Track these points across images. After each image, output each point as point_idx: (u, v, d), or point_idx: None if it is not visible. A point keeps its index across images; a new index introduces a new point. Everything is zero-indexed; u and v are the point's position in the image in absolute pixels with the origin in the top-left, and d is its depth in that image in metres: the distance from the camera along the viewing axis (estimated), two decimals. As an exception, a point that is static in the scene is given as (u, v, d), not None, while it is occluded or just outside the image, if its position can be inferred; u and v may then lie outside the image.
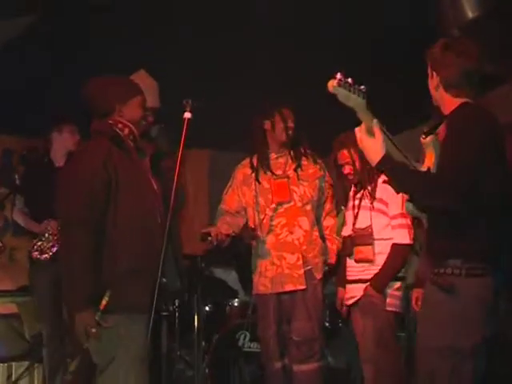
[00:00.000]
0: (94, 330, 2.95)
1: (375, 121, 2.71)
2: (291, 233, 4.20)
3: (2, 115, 5.70)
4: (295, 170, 4.28)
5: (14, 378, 5.07)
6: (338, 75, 2.53)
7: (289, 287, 4.16)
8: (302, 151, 4.34)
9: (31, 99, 5.55)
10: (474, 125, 2.70)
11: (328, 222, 4.37)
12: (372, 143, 2.72)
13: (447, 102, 2.83)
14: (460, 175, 2.61)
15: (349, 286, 4.22)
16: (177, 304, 5.14)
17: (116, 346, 3.01)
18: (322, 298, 4.22)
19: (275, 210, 4.24)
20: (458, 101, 2.81)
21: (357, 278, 4.13)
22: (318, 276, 4.20)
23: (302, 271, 4.15)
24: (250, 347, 4.82)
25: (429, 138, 2.79)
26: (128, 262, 3.05)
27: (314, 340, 4.12)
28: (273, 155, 4.35)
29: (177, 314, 5.11)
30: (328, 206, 4.39)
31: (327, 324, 5.14)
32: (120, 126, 3.30)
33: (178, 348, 5.08)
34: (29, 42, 5.89)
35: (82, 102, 3.36)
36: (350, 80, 2.56)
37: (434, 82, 2.85)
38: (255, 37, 5.38)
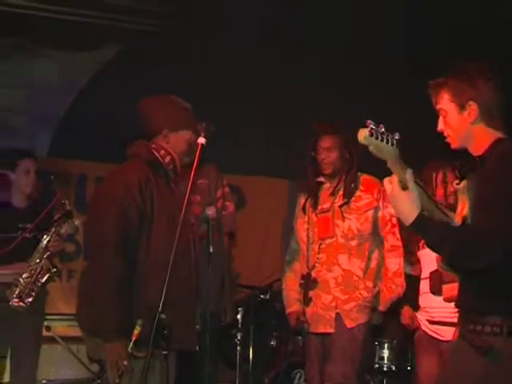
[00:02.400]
0: (125, 363, 2.84)
1: (409, 171, 2.41)
2: (329, 271, 4.04)
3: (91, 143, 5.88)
4: (341, 205, 4.07)
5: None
6: (369, 123, 2.28)
7: (320, 329, 4.01)
8: (358, 180, 4.10)
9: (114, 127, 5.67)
10: None
11: (391, 263, 4.05)
12: (406, 198, 2.39)
13: (483, 139, 2.49)
14: (506, 231, 2.31)
15: (433, 327, 3.95)
16: (239, 337, 5.05)
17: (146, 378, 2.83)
18: (361, 343, 3.96)
19: (320, 245, 4.08)
20: (493, 136, 2.49)
21: (446, 320, 3.83)
22: (349, 324, 3.96)
23: (333, 314, 3.97)
24: (304, 387, 4.64)
25: (463, 184, 2.50)
26: (160, 294, 2.82)
27: None
28: (327, 185, 4.19)
29: (238, 348, 5.01)
30: (390, 241, 4.07)
31: (394, 367, 4.93)
32: (162, 152, 3.19)
33: (237, 382, 4.97)
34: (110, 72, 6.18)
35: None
36: (382, 128, 2.30)
37: (469, 115, 2.50)
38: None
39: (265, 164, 6.26)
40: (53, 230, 4.17)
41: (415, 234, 2.48)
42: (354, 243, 4.03)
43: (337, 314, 3.98)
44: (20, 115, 6.28)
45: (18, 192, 4.38)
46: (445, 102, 2.53)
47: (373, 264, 4.06)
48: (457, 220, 2.52)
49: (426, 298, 4.04)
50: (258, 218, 6.33)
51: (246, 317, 5.09)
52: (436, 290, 3.89)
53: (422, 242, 4.07)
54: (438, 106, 2.56)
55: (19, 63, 6.21)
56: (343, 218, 4.05)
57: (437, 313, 3.96)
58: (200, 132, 3.05)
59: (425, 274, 4.05)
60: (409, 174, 2.41)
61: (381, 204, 4.07)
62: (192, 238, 3.22)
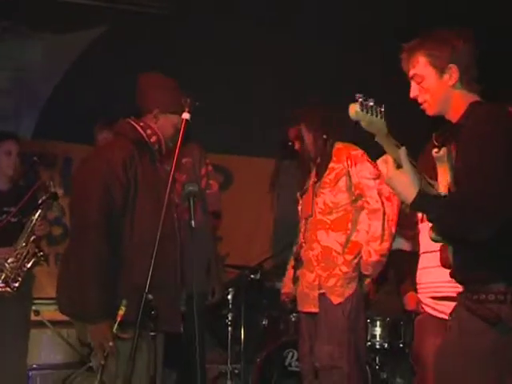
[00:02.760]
0: (111, 344, 2.79)
1: (403, 149, 2.31)
2: (311, 249, 3.98)
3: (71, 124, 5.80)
4: (315, 182, 4.04)
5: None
6: (359, 97, 2.19)
7: (306, 308, 3.97)
8: (329, 156, 4.00)
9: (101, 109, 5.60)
10: (501, 128, 2.30)
11: (371, 226, 3.90)
12: (403, 178, 2.29)
13: (462, 103, 2.42)
14: (499, 199, 2.24)
15: (439, 304, 3.71)
16: (230, 318, 5.01)
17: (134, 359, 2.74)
18: (346, 321, 3.85)
19: (305, 224, 4.05)
20: (470, 99, 2.42)
21: (444, 294, 3.59)
22: (335, 300, 3.87)
23: (316, 293, 3.91)
24: (297, 366, 4.55)
25: (442, 151, 2.41)
26: (144, 276, 2.74)
27: (334, 368, 3.80)
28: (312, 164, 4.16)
29: (229, 329, 4.98)
30: (371, 205, 3.90)
31: (386, 345, 4.89)
32: (149, 131, 3.14)
33: (229, 363, 4.94)
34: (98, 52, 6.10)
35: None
36: (371, 102, 2.22)
37: (449, 78, 2.41)
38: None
39: (252, 143, 6.20)
40: (38, 213, 4.10)
41: (416, 211, 2.40)
42: (332, 217, 3.95)
43: (320, 293, 3.91)
44: (7, 97, 6.20)
45: (0, 174, 4.30)
46: (421, 66, 2.45)
47: (356, 235, 3.94)
48: (442, 190, 2.43)
49: (428, 274, 3.87)
50: (246, 197, 6.28)
51: (237, 297, 5.05)
52: (446, 264, 3.75)
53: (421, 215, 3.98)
54: (412, 72, 2.47)
55: (7, 45, 6.13)
56: (318, 195, 3.99)
57: (442, 288, 3.81)
58: (184, 107, 2.94)
59: (426, 247, 3.89)
60: (403, 152, 2.31)
61: (352, 170, 3.95)
62: (177, 218, 3.16)
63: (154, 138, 3.13)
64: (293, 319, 5.10)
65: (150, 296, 2.68)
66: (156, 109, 3.14)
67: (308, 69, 6.09)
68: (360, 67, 5.97)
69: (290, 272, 4.21)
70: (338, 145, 4.03)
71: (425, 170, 2.57)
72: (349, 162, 3.95)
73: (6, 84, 6.16)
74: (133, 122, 3.17)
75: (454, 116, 2.46)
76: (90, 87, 5.85)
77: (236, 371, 4.94)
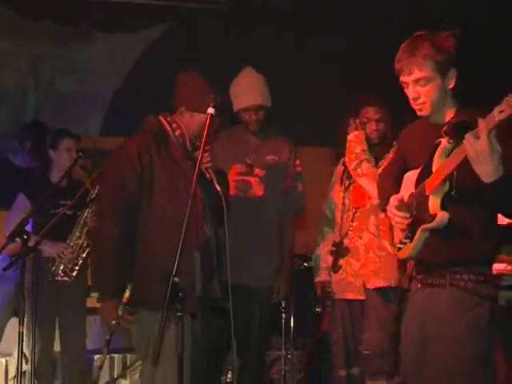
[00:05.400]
0: (113, 322, 3.04)
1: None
2: (360, 237, 4.03)
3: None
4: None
5: (129, 368, 5.24)
6: None
7: (349, 295, 4.01)
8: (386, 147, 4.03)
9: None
10: None
11: None
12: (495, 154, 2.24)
13: (451, 106, 2.64)
14: None
15: None
16: (283, 304, 5.10)
17: (147, 343, 3.09)
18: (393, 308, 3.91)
19: (354, 213, 4.08)
20: (455, 104, 2.64)
21: None
22: (395, 283, 3.93)
23: (361, 281, 3.97)
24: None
25: (450, 144, 2.47)
26: (158, 261, 3.10)
27: (385, 354, 3.84)
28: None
29: (283, 315, 5.07)
30: None
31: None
32: (174, 125, 3.34)
33: (284, 349, 5.03)
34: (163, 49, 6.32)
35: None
36: None
37: (450, 82, 2.60)
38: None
39: (315, 133, 6.24)
40: (89, 206, 4.30)
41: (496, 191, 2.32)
42: None
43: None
44: (74, 99, 6.49)
45: (60, 169, 4.49)
46: (429, 71, 2.55)
47: None
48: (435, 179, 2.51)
49: None
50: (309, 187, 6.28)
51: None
52: None
53: None
54: (418, 75, 2.56)
55: (72, 49, 6.46)
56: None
57: None
58: (208, 103, 3.06)
59: None
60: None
61: None
62: (198, 211, 3.27)
63: (177, 133, 3.33)
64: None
65: (177, 279, 2.79)
66: (182, 106, 3.33)
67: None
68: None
69: (321, 261, 4.26)
70: None
71: (416, 149, 2.66)
72: None
73: (73, 87, 6.49)
74: (161, 117, 3.39)
75: (444, 117, 2.62)
76: (154, 84, 6.05)
77: (289, 357, 5.04)
